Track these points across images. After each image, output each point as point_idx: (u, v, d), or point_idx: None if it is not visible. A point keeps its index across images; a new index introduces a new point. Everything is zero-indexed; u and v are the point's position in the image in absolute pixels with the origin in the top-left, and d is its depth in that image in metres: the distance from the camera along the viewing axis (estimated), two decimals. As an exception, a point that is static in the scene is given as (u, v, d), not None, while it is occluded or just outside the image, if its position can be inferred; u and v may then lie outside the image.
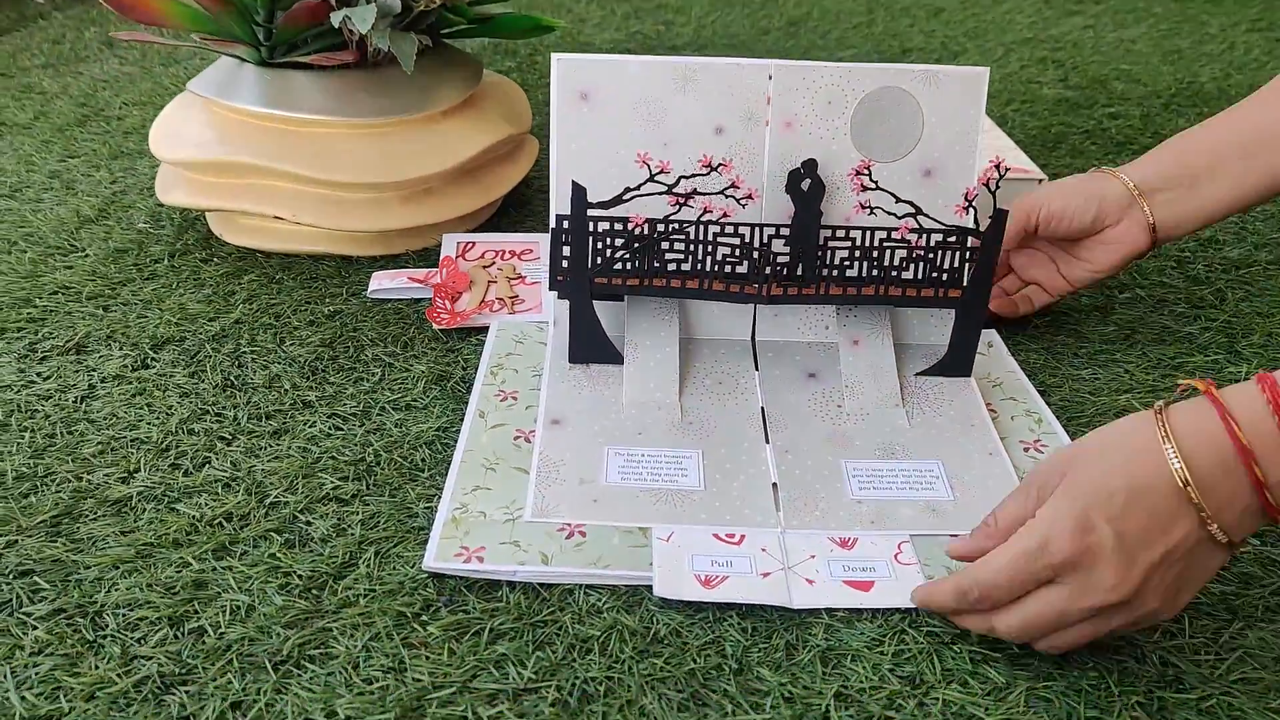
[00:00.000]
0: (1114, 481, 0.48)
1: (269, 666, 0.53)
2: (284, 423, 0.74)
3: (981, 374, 0.77)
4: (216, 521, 0.63)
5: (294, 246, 0.97)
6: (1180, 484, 0.47)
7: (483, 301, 0.89)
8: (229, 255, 0.98)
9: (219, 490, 0.66)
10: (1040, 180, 0.98)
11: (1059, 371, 0.80)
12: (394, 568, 0.60)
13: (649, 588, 0.58)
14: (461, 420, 0.74)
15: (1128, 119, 1.34)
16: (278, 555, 0.60)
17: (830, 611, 0.57)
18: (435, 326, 0.85)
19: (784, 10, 1.83)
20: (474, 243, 0.99)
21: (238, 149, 0.93)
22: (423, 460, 0.69)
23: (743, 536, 0.61)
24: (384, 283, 0.91)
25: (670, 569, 0.58)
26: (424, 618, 0.56)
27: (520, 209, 1.08)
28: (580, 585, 0.59)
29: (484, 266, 0.94)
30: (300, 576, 0.59)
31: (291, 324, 0.86)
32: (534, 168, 1.10)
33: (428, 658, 0.54)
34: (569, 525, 0.62)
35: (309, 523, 0.64)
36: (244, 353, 0.82)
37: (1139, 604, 0.49)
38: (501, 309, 0.88)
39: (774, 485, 0.65)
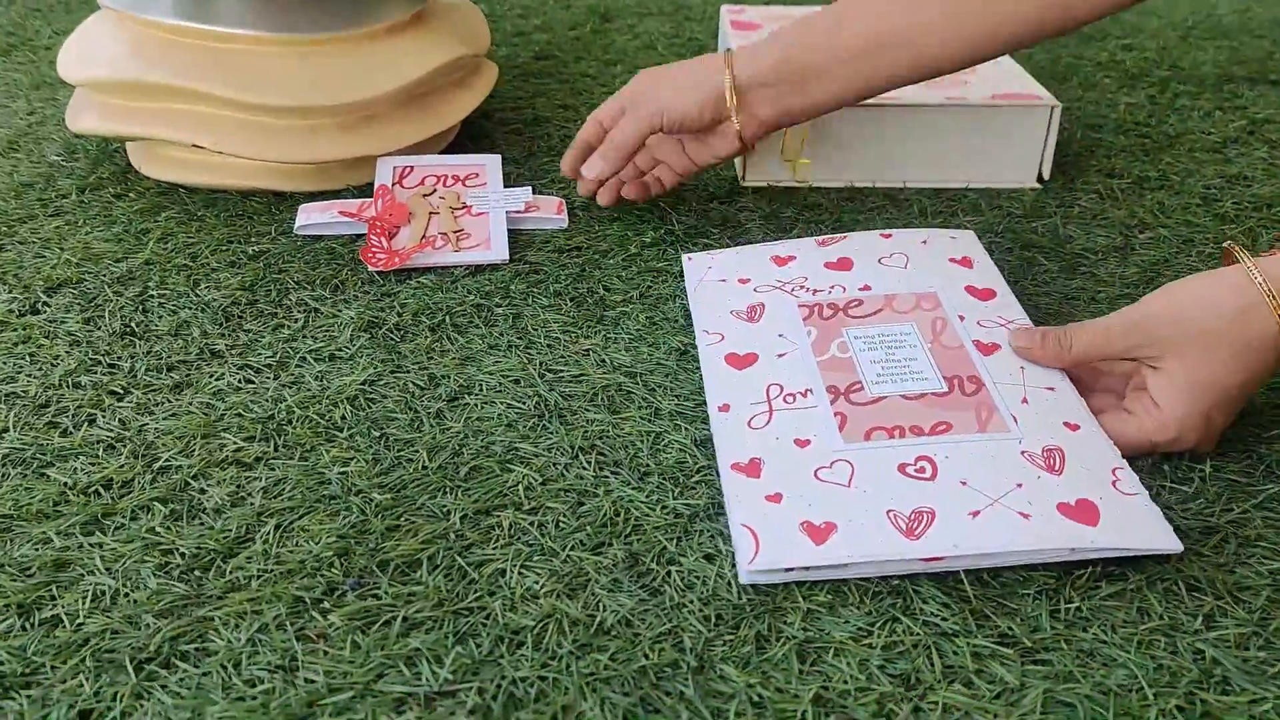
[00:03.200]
0: (1234, 379, 0.52)
1: (130, 666, 0.44)
2: (187, 375, 0.64)
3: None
4: (92, 489, 0.54)
5: (220, 181, 0.86)
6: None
7: (423, 238, 0.78)
8: (147, 190, 0.87)
9: (99, 453, 0.57)
10: (1053, 108, 0.88)
11: (1075, 318, 0.71)
12: (296, 543, 0.51)
13: (610, 569, 0.49)
14: (391, 371, 0.64)
15: (1142, 51, 1.23)
16: (158, 530, 0.51)
17: (808, 594, 0.48)
18: (370, 268, 0.75)
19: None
20: (412, 167, 0.87)
21: (152, 67, 0.82)
22: (342, 418, 0.60)
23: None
24: (312, 217, 0.81)
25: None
26: (325, 604, 0.47)
27: (477, 142, 0.97)
28: (515, 565, 0.50)
29: (424, 195, 0.83)
30: (182, 555, 0.50)
31: (209, 265, 0.76)
32: (491, 96, 0.99)
33: (325, 653, 0.45)
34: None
35: (202, 490, 0.54)
36: (150, 297, 0.72)
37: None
38: (445, 245, 0.78)
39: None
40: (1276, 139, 0.99)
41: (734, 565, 0.50)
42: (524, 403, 0.62)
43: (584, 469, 0.56)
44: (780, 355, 0.61)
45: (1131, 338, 0.54)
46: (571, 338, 0.68)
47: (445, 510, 0.53)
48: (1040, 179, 0.91)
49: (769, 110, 0.72)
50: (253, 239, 0.80)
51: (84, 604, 0.47)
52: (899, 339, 0.61)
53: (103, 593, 0.48)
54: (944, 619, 0.47)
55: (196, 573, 0.49)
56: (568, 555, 0.50)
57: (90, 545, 0.50)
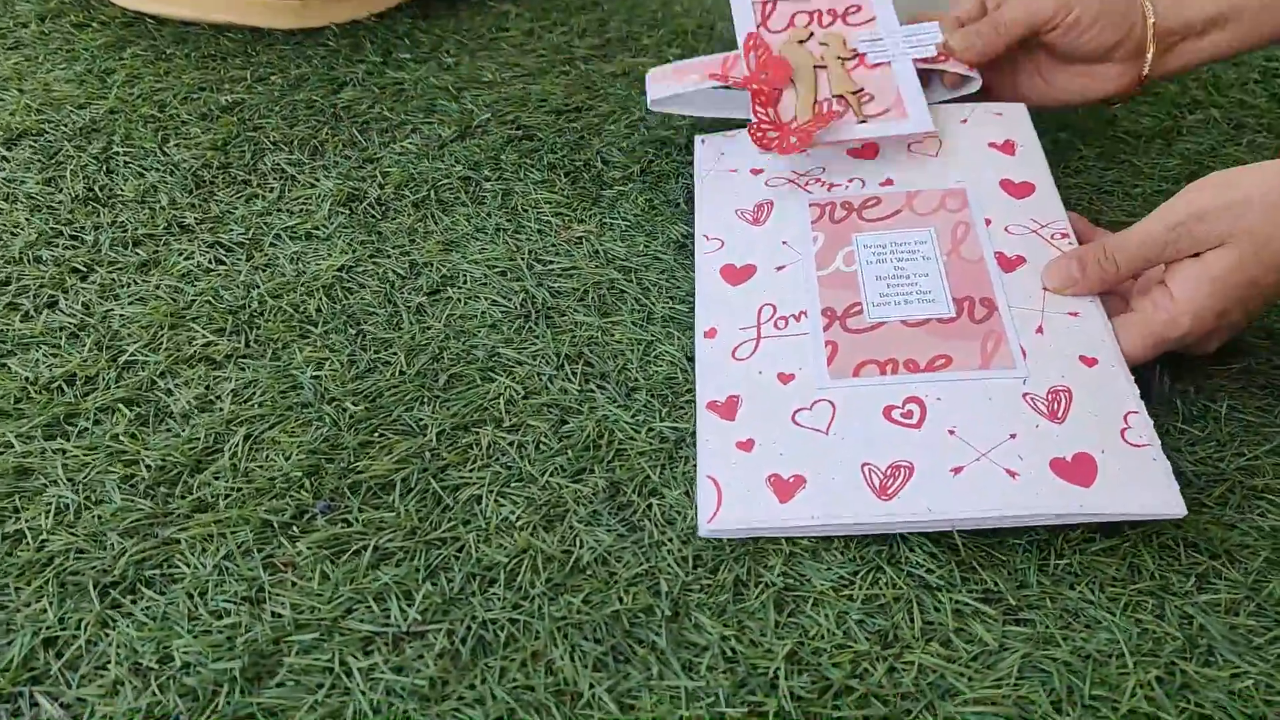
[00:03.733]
0: (1272, 276, 0.48)
1: (94, 591, 0.43)
2: (154, 251, 0.60)
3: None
4: (55, 385, 0.52)
5: (191, 13, 0.80)
6: None
7: (816, 104, 0.61)
8: (112, 20, 0.81)
9: (62, 342, 0.54)
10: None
11: (1103, 217, 0.66)
12: (266, 458, 0.49)
13: (589, 500, 0.48)
14: (370, 255, 0.60)
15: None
16: (123, 438, 0.49)
17: (792, 538, 0.46)
18: (768, 152, 0.58)
19: None
20: (774, 3, 0.67)
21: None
22: (317, 311, 0.57)
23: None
24: (669, 86, 0.64)
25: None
26: (294, 529, 0.46)
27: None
28: (492, 492, 0.48)
29: (799, 41, 0.65)
30: (149, 467, 0.48)
31: (178, 117, 0.71)
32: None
33: (293, 584, 0.44)
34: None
35: (169, 391, 0.52)
36: (116, 154, 0.67)
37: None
38: (846, 112, 0.61)
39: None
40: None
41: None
42: (510, 299, 0.58)
43: (569, 381, 0.54)
44: (780, 268, 0.56)
45: (1181, 239, 0.49)
46: (564, 221, 0.64)
47: (422, 424, 0.51)
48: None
49: (1179, 62, 0.63)
50: (225, 86, 0.75)
51: (47, 519, 0.46)
52: (913, 249, 0.55)
53: (66, 506, 0.46)
54: (929, 570, 0.45)
55: (163, 488, 0.47)
56: (547, 481, 0.49)
57: (53, 452, 0.49)
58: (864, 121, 0.60)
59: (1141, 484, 0.45)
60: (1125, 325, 0.51)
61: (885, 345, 0.51)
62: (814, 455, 0.47)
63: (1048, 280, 0.53)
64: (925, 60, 0.63)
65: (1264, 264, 0.48)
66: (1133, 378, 0.50)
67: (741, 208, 0.60)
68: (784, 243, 0.57)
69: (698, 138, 0.66)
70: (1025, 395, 0.49)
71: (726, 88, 0.63)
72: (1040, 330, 0.51)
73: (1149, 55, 0.62)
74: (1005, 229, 0.56)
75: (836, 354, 0.51)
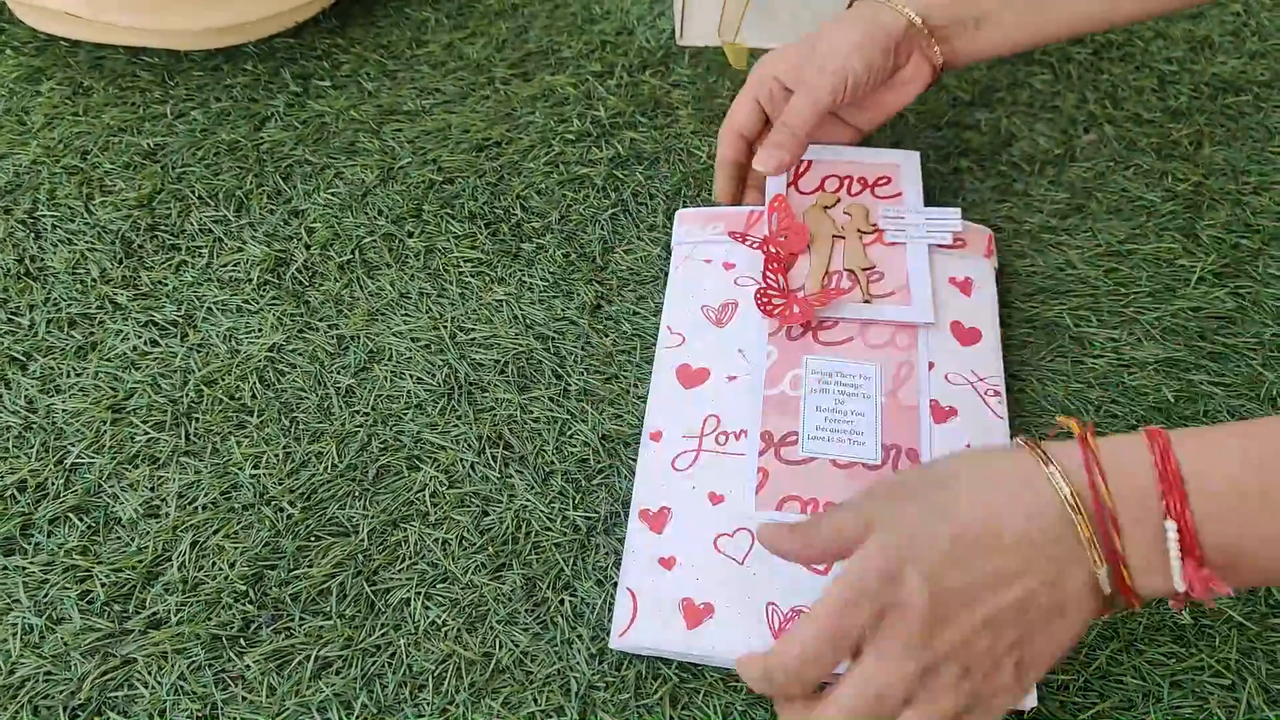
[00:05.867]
0: (944, 529, 0.39)
1: (64, 716, 0.48)
2: (90, 333, 0.63)
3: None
4: (9, 494, 0.56)
5: (106, 37, 0.79)
6: (1068, 508, 0.38)
7: (825, 275, 0.62)
8: (26, 44, 0.80)
9: (10, 444, 0.58)
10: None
11: (1000, 254, 0.70)
12: (211, 565, 0.54)
13: (508, 600, 0.53)
14: (300, 330, 0.64)
15: None
16: (76, 553, 0.54)
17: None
18: (770, 319, 0.59)
19: None
20: (810, 163, 0.67)
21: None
22: (251, 398, 0.61)
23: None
24: (690, 231, 0.66)
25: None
26: (242, 641, 0.51)
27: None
28: (419, 594, 0.53)
29: (825, 208, 0.65)
30: (104, 582, 0.53)
31: (102, 168, 0.72)
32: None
33: (244, 698, 0.49)
34: None
35: (115, 496, 0.56)
36: (43, 216, 0.69)
37: (970, 676, 0.39)
38: (852, 288, 0.61)
39: None
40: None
41: (623, 592, 0.54)
42: (434, 375, 0.62)
43: (489, 468, 0.58)
44: (731, 378, 0.58)
45: (865, 517, 0.42)
46: (484, 282, 0.67)
47: (354, 523, 0.56)
48: (997, 47, 0.85)
49: (973, 48, 0.63)
50: (147, 125, 0.75)
51: (15, 642, 0.50)
52: (856, 384, 0.57)
53: (31, 628, 0.51)
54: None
55: (117, 605, 0.52)
56: (469, 580, 0.54)
57: (13, 569, 0.53)
58: (868, 301, 0.61)
59: None
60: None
61: (812, 483, 0.54)
62: (726, 585, 0.51)
63: (760, 537, 0.46)
64: (942, 246, 0.64)
65: (928, 524, 0.40)
66: None
67: (708, 304, 0.62)
68: (740, 351, 0.59)
69: (678, 214, 0.67)
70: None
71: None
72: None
73: (935, 49, 0.63)
74: (945, 376, 0.58)
75: (766, 483, 0.54)
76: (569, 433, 0.60)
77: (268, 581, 0.53)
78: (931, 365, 0.58)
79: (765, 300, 0.60)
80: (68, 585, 0.52)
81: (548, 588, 0.54)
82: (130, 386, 0.61)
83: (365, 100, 0.78)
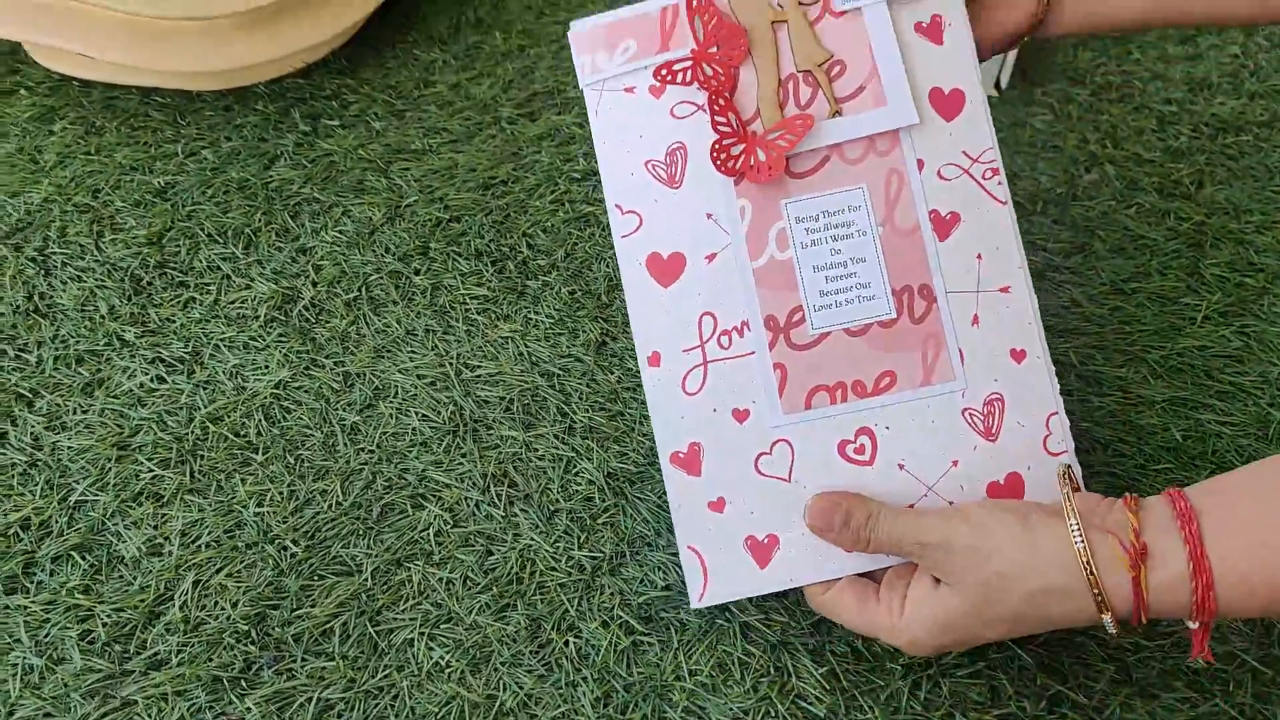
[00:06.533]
0: (991, 632, 0.46)
1: (64, 759, 0.48)
2: (97, 370, 0.63)
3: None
4: (11, 532, 0.56)
5: (118, 78, 0.80)
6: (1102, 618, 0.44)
7: (779, 87, 0.51)
8: (40, 84, 0.81)
9: (15, 482, 0.58)
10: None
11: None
12: (214, 604, 0.53)
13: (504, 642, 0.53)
14: (306, 367, 0.64)
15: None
16: (78, 592, 0.53)
17: (694, 667, 0.52)
18: (719, 200, 0.51)
19: None
20: None
21: (21, -37, 0.74)
22: (257, 435, 0.61)
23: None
24: (599, 59, 0.53)
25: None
26: (243, 684, 0.51)
27: (398, 13, 0.89)
28: (423, 634, 0.53)
29: None
30: (105, 622, 0.52)
31: (113, 206, 0.73)
32: (413, -37, 0.90)
33: (245, 741, 0.49)
34: None
35: (118, 534, 0.56)
36: (53, 254, 0.69)
37: None
38: (813, 98, 0.51)
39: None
40: (1254, 27, 0.94)
41: (629, 633, 0.53)
42: (439, 413, 0.62)
43: (494, 506, 0.58)
44: (710, 257, 0.51)
45: (926, 557, 0.47)
46: (490, 319, 0.68)
47: (358, 562, 0.55)
48: (998, 87, 0.86)
49: (1083, 10, 0.56)
50: (158, 164, 0.76)
51: (16, 682, 0.50)
52: (847, 219, 0.51)
53: (31, 668, 0.51)
54: (818, 698, 0.51)
55: (118, 644, 0.52)
56: (474, 621, 0.54)
57: (15, 608, 0.53)
58: (838, 113, 0.51)
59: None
60: (863, 603, 0.49)
61: (832, 365, 0.50)
62: (782, 510, 0.50)
63: (809, 517, 0.50)
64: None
65: (985, 620, 0.45)
66: (1053, 368, 0.51)
67: (652, 159, 0.52)
68: (708, 216, 0.52)
69: (570, 36, 0.54)
70: (965, 411, 0.50)
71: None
72: (976, 321, 0.51)
73: None
74: (939, 173, 0.51)
75: (786, 381, 0.50)
76: (574, 470, 0.60)
77: (270, 621, 0.53)
78: (921, 164, 0.51)
79: (723, 155, 0.51)
80: (69, 625, 0.52)
81: (552, 629, 0.54)
82: (136, 423, 0.61)
83: (373, 139, 0.79)
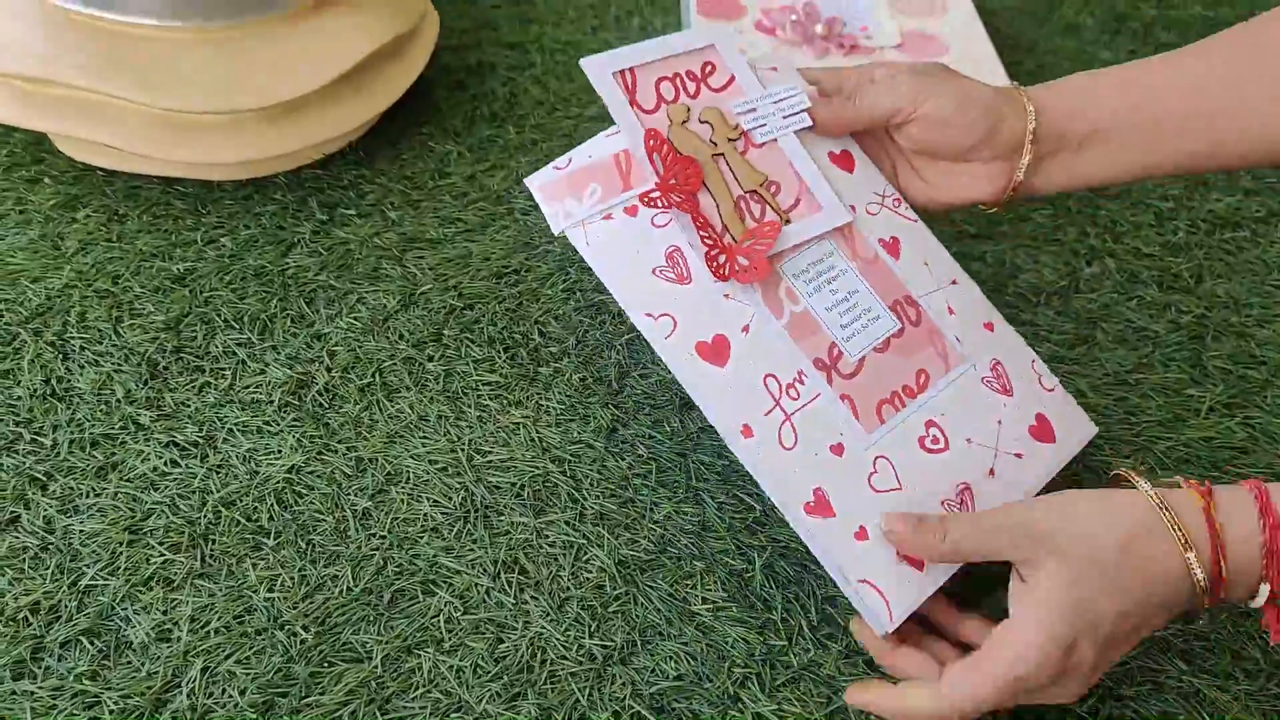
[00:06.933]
0: (1111, 602, 0.46)
1: None
2: (111, 453, 0.64)
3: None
4: (21, 616, 0.55)
5: (142, 168, 0.82)
6: (1200, 590, 0.47)
7: (735, 206, 0.58)
8: (64, 173, 0.83)
9: (26, 566, 0.58)
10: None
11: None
12: (222, 692, 0.53)
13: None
14: (319, 452, 0.64)
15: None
16: (85, 677, 0.53)
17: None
18: (732, 281, 0.55)
19: None
20: (633, 72, 0.59)
21: (57, 61, 0.76)
22: (269, 519, 0.61)
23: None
24: (568, 206, 0.58)
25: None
26: (250, 773, 0.50)
27: (415, 107, 0.92)
28: (432, 723, 0.52)
29: (681, 124, 0.59)
30: (112, 709, 0.52)
31: (132, 291, 0.74)
32: (431, 63, 0.93)
33: (250, 834, 0.48)
34: None
35: (128, 619, 0.56)
36: (71, 338, 0.70)
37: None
38: (762, 211, 0.58)
39: None
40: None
41: (640, 723, 0.53)
42: (450, 498, 0.63)
43: (504, 594, 0.58)
44: (744, 329, 0.56)
45: (1012, 536, 0.48)
46: (501, 405, 0.68)
47: (368, 649, 0.55)
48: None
49: (1057, 178, 0.61)
50: (177, 251, 0.77)
51: (18, 771, 0.49)
52: (829, 264, 0.59)
53: (35, 756, 0.50)
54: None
55: (125, 733, 0.51)
56: (484, 710, 0.53)
57: (20, 694, 0.52)
58: (788, 222, 0.58)
59: (1070, 423, 0.60)
60: (968, 671, 0.47)
61: (879, 380, 0.57)
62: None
63: (886, 523, 0.52)
64: (802, 128, 0.61)
65: (1099, 582, 0.46)
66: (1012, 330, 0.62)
67: (657, 266, 0.57)
68: (726, 296, 0.56)
69: (533, 188, 0.60)
70: (983, 380, 0.59)
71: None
72: (951, 311, 0.61)
73: (1024, 160, 0.60)
74: (866, 210, 0.61)
75: (856, 406, 0.56)
76: (585, 558, 0.60)
77: (278, 709, 0.52)
78: (853, 208, 0.61)
79: (713, 264, 0.55)
80: (76, 712, 0.52)
81: (564, 719, 0.53)
82: (149, 507, 0.61)
83: (389, 229, 0.80)
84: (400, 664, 0.55)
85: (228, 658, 0.54)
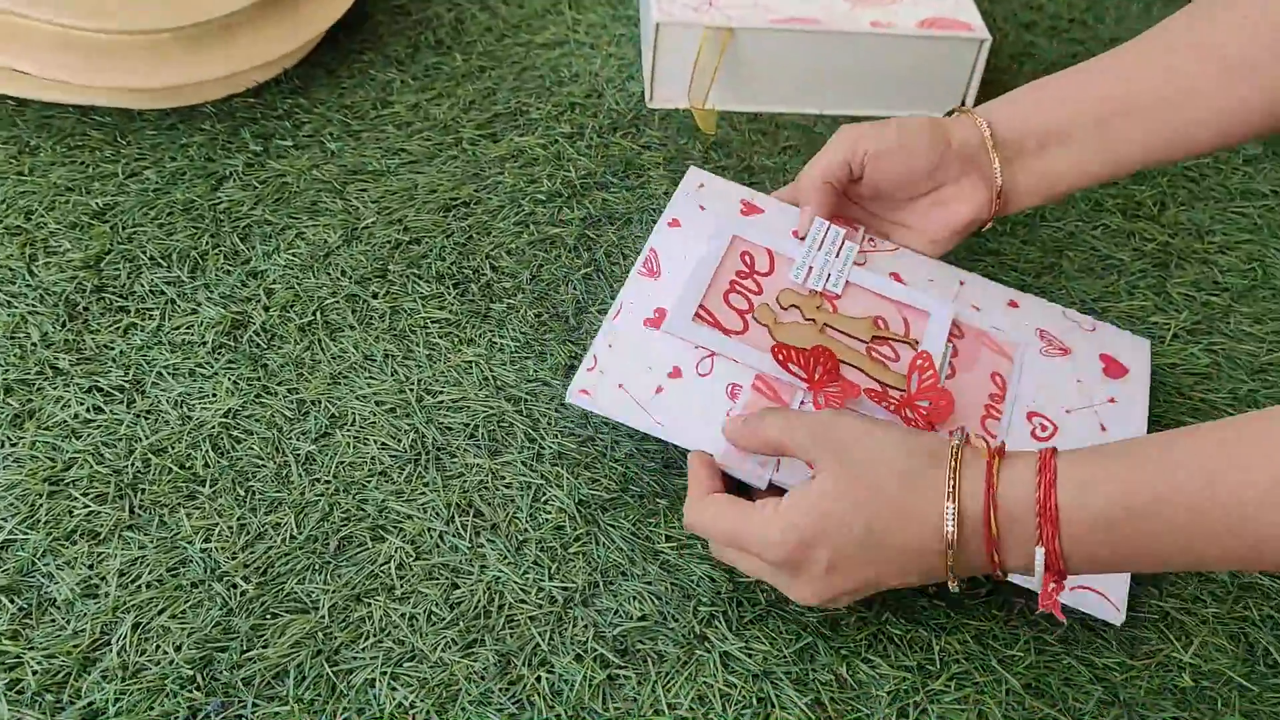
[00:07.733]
0: (859, 516, 0.46)
1: (-13, 822, 0.43)
2: (27, 400, 0.59)
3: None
4: (-68, 574, 0.51)
5: (56, 95, 0.76)
6: (944, 547, 0.45)
7: (870, 359, 0.59)
8: (-30, 104, 0.77)
9: (-63, 520, 0.53)
10: (982, 41, 0.82)
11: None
12: (155, 647, 0.49)
13: (471, 684, 0.49)
14: (257, 396, 0.60)
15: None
16: (6, 639, 0.49)
17: (671, 704, 0.49)
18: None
19: None
20: (703, 307, 0.59)
21: (-49, -26, 0.70)
22: (204, 467, 0.57)
23: None
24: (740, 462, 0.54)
25: None
26: (188, 733, 0.47)
27: (354, 32, 0.86)
28: (385, 674, 0.49)
29: (776, 323, 0.60)
30: (35, 670, 0.48)
31: (47, 228, 0.69)
32: (367, -17, 0.87)
33: (190, 797, 0.45)
34: None
35: (50, 575, 0.52)
36: (-18, 278, 0.65)
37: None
38: (896, 354, 0.60)
39: None
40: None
41: (604, 666, 0.50)
42: (399, 440, 0.59)
43: (459, 537, 0.55)
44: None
45: (812, 436, 0.48)
46: (452, 344, 0.65)
47: (314, 599, 0.52)
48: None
49: (1029, 182, 0.61)
50: (95, 184, 0.72)
51: (-68, 739, 0.46)
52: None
53: (-48, 722, 0.46)
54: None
55: (49, 695, 0.47)
56: (439, 658, 0.50)
57: (-66, 657, 0.48)
58: (917, 343, 0.60)
59: (1126, 347, 0.64)
60: (738, 510, 0.49)
61: (972, 400, 0.59)
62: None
63: (728, 423, 0.53)
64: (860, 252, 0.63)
65: (853, 503, 0.46)
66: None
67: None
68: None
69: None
70: (1041, 352, 0.62)
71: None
72: (976, 307, 0.63)
73: (995, 164, 0.60)
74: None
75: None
76: (543, 498, 0.57)
77: (217, 665, 0.49)
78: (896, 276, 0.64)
79: (908, 423, 0.56)
80: (-5, 673, 0.48)
81: (523, 664, 0.50)
82: (70, 456, 0.57)
83: (328, 160, 0.76)
84: (349, 613, 0.52)
85: (161, 612, 0.51)
